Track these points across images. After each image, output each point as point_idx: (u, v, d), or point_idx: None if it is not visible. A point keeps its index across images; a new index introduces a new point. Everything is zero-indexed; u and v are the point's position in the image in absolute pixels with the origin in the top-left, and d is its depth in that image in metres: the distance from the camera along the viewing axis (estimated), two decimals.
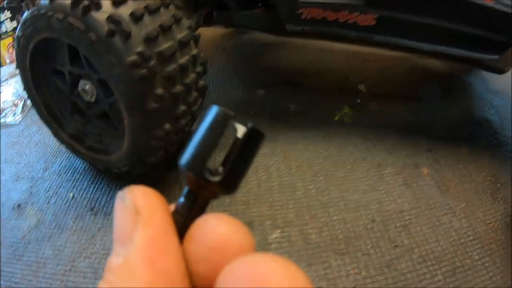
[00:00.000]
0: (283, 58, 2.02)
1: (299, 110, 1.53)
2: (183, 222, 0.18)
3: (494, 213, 1.23)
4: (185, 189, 0.19)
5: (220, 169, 0.17)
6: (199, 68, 1.19)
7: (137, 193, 0.18)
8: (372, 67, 1.83)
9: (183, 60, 1.10)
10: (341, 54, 1.89)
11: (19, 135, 1.69)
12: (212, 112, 0.18)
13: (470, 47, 1.29)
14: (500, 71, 1.40)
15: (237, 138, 0.17)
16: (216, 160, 0.18)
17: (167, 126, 1.10)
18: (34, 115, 1.73)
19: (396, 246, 1.06)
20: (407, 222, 1.12)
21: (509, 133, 1.58)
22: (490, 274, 1.06)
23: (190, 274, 0.16)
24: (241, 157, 0.18)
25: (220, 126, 0.17)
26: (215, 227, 0.17)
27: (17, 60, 1.26)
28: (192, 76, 1.15)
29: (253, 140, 0.18)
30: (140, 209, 0.17)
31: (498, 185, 1.33)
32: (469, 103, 1.69)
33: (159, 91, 1.03)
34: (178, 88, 1.09)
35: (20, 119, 1.79)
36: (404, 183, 1.22)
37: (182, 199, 0.19)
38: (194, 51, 1.16)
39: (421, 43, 1.28)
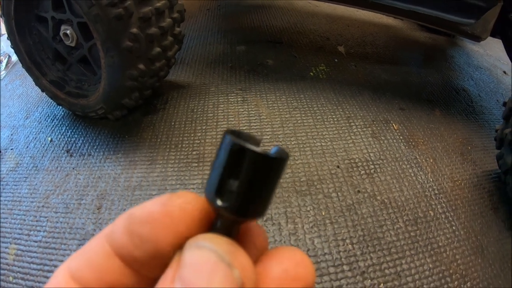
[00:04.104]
0: (266, 19, 1.98)
1: (276, 65, 1.50)
2: None
3: (462, 172, 1.20)
4: (215, 222, 0.18)
5: (232, 194, 0.16)
6: (175, 14, 1.19)
7: (239, 256, 0.15)
8: (354, 32, 1.79)
9: (159, 3, 1.11)
10: (325, 18, 1.85)
11: (3, 89, 1.68)
12: (223, 137, 0.17)
13: (446, 9, 1.25)
14: (477, 38, 1.36)
15: (249, 161, 0.16)
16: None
17: (141, 66, 1.11)
18: (18, 70, 1.74)
19: (358, 191, 1.04)
20: (372, 171, 1.09)
21: (485, 104, 1.55)
22: (454, 228, 1.04)
23: None
24: (258, 184, 0.16)
25: (226, 153, 0.16)
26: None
27: (2, 7, 1.26)
28: (168, 20, 1.15)
29: (272, 163, 0.16)
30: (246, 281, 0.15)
31: (469, 147, 1.30)
32: (449, 73, 1.65)
33: (134, 30, 1.05)
34: (153, 30, 1.10)
35: (4, 74, 1.79)
36: (372, 135, 1.20)
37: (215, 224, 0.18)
38: None
39: (397, 2, 1.24)
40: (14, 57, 1.83)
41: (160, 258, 0.16)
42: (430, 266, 0.94)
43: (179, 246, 0.16)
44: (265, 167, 0.16)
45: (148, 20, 1.06)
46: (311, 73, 1.46)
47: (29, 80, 1.34)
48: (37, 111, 1.45)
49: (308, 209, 0.98)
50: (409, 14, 1.27)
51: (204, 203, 0.17)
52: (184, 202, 0.17)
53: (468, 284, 0.93)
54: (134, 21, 1.04)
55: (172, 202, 0.17)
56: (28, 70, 1.31)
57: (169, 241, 0.16)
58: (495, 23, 1.25)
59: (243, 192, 0.16)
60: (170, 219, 0.16)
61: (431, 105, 1.41)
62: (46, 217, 1.06)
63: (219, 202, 0.16)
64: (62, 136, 1.29)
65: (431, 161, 1.19)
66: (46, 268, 0.94)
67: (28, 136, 1.34)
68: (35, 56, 1.31)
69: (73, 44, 1.20)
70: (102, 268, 0.16)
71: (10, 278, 0.92)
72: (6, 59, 1.86)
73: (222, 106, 1.29)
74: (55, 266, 0.94)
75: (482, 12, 1.23)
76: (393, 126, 1.25)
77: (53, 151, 1.25)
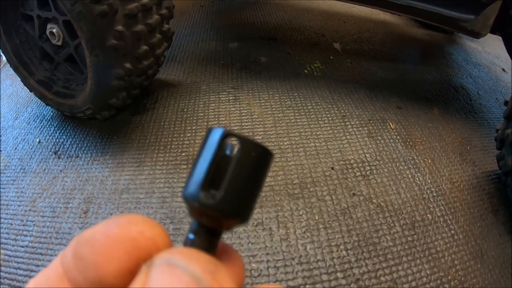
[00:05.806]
0: (261, 15, 1.91)
1: (270, 63, 1.43)
2: None
3: (461, 173, 1.14)
4: (193, 223, 0.16)
5: (219, 191, 0.15)
6: (164, 11, 1.12)
7: (220, 279, 0.13)
8: (351, 28, 1.72)
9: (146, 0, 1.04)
10: (320, 15, 1.78)
11: None
12: (208, 132, 0.16)
13: (445, 4, 1.19)
14: (477, 35, 1.29)
15: (235, 157, 0.15)
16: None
17: (128, 65, 1.05)
18: (8, 70, 1.68)
19: (354, 194, 0.98)
20: (368, 172, 1.03)
21: (484, 102, 1.48)
22: (452, 232, 0.98)
23: None
24: (246, 178, 0.15)
25: (214, 144, 0.15)
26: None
27: None
28: (155, 17, 1.09)
29: (258, 160, 0.15)
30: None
31: (468, 147, 1.24)
32: (447, 70, 1.58)
33: (119, 28, 0.99)
34: (140, 27, 1.04)
35: None
36: (368, 135, 1.13)
37: (191, 236, 0.15)
38: None
39: None
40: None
41: None
42: (428, 272, 0.88)
43: (122, 278, 0.13)
44: (257, 158, 0.15)
45: (134, 17, 1.00)
46: (306, 71, 1.39)
47: (20, 80, 1.29)
48: (26, 111, 1.40)
49: (301, 213, 0.92)
50: (407, 9, 1.20)
51: (158, 232, 0.14)
52: (130, 224, 0.14)
53: None
54: (119, 19, 0.98)
55: (118, 223, 0.14)
56: (16, 69, 1.26)
57: (110, 269, 0.13)
58: (495, 20, 1.19)
59: (232, 186, 0.14)
60: (111, 243, 0.13)
61: (429, 103, 1.34)
62: (33, 221, 1.02)
63: (204, 198, 0.14)
64: (50, 137, 1.24)
65: (429, 161, 1.13)
66: (33, 274, 0.90)
67: (16, 138, 1.29)
68: (22, 55, 1.26)
69: (59, 43, 1.15)
70: None
71: None
72: None
73: (213, 105, 1.22)
74: None
75: (482, 8, 1.17)
76: (390, 126, 1.18)
77: (41, 152, 1.20)
